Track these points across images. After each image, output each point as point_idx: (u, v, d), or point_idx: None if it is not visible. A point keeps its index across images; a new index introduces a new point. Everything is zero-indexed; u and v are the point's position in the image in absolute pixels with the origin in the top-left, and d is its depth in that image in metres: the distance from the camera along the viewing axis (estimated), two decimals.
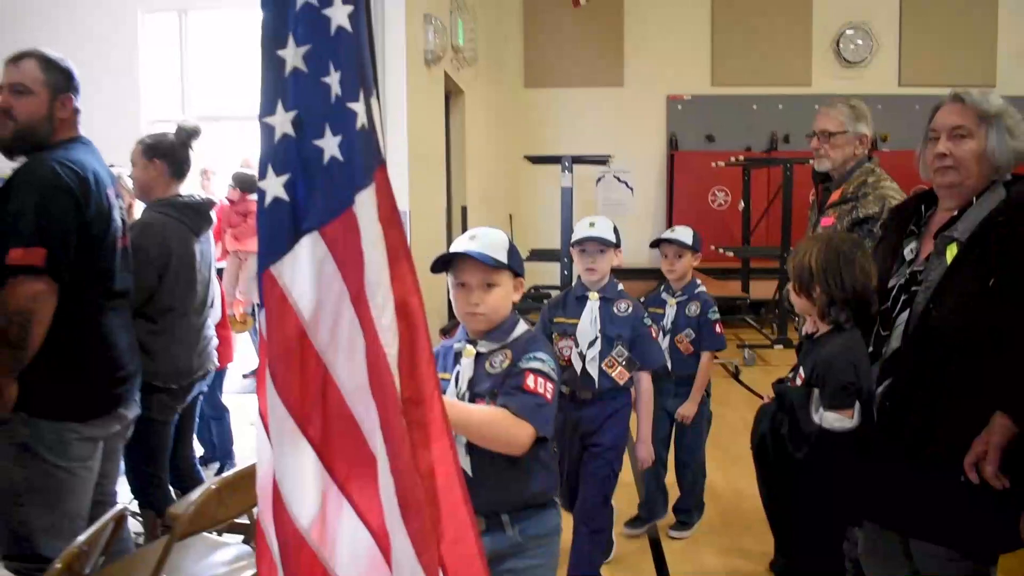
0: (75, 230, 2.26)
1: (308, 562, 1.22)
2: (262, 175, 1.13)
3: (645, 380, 3.06)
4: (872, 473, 2.07)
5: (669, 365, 3.42)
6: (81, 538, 1.97)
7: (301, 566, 1.22)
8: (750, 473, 2.38)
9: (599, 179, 10.21)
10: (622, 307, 3.03)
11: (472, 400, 1.91)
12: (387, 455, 1.15)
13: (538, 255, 7.34)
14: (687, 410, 3.55)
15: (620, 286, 3.13)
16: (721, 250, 8.41)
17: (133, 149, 3.11)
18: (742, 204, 9.20)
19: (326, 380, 1.19)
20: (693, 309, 3.54)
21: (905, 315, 2.07)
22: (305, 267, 1.16)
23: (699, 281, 3.68)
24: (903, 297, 2.09)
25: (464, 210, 6.90)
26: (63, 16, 7.55)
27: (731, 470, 4.33)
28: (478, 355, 1.96)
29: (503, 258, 1.91)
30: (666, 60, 10.23)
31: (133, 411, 2.59)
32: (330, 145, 1.14)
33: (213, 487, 2.17)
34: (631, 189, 10.37)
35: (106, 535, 2.08)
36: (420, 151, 4.48)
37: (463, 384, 1.94)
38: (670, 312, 3.58)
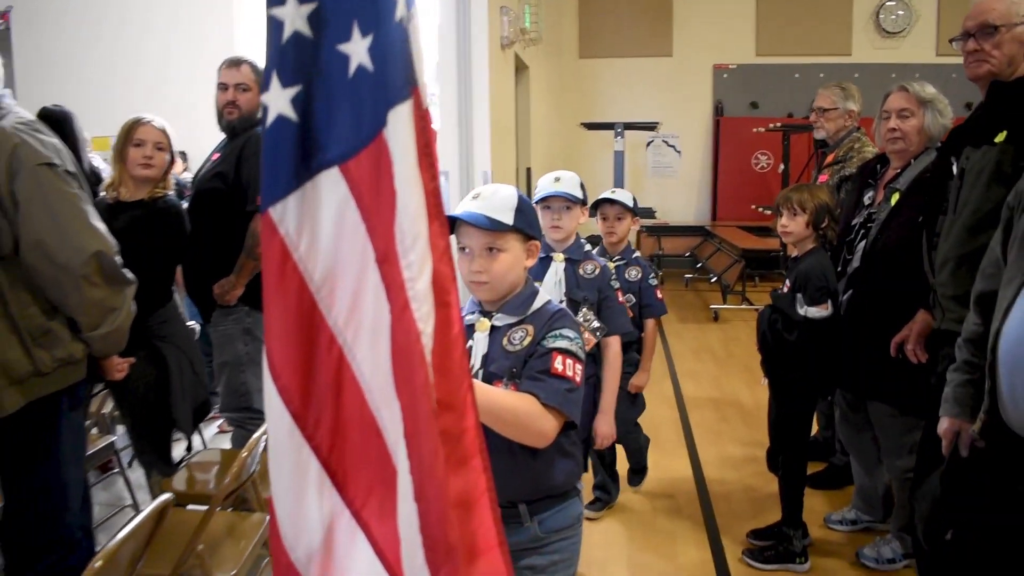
0: None
1: None
2: (265, 85, 0.88)
3: (614, 345, 2.84)
4: (839, 353, 2.95)
5: None
6: None
7: None
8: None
9: (649, 143, 10.98)
10: (588, 269, 2.85)
11: (487, 380, 1.69)
12: (411, 476, 0.90)
13: (593, 212, 8.25)
14: (640, 380, 3.42)
15: (587, 246, 2.96)
16: (761, 209, 9.16)
17: None
18: (782, 167, 9.91)
19: (342, 369, 0.93)
20: (634, 274, 3.33)
21: (863, 244, 2.94)
22: (318, 213, 0.90)
23: (634, 247, 3.49)
24: (862, 231, 2.96)
25: (528, 171, 7.77)
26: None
27: (758, 390, 5.18)
28: (493, 329, 1.75)
29: (508, 219, 1.68)
30: (713, 31, 10.79)
31: None
32: (358, 50, 0.87)
33: None
34: (679, 153, 11.15)
35: None
36: (497, 122, 5.36)
37: (476, 361, 1.73)
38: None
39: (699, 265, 9.69)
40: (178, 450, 3.45)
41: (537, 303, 1.76)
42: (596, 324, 2.77)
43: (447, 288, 0.93)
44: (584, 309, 2.76)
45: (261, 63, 3.20)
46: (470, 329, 1.75)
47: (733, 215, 10.50)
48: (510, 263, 1.72)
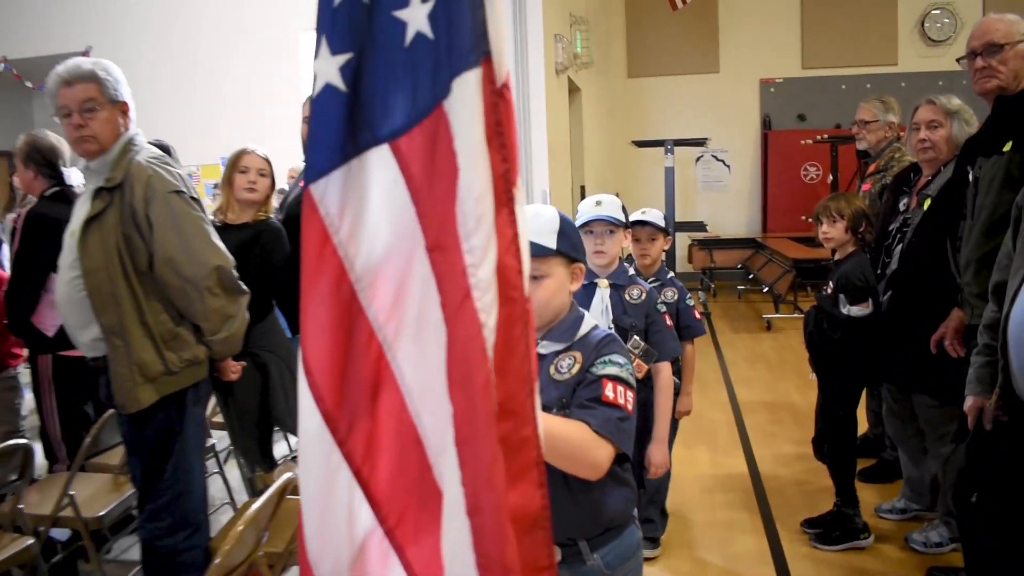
0: None
1: None
2: (316, 51, 0.83)
3: (665, 371, 2.79)
4: (881, 349, 3.17)
5: None
6: None
7: None
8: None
9: (698, 158, 11.21)
10: (634, 294, 2.77)
11: None
12: (463, 488, 0.81)
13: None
14: (684, 405, 3.25)
15: (631, 270, 2.90)
16: (811, 219, 9.29)
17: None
18: (831, 177, 10.05)
19: (380, 369, 0.86)
20: (670, 295, 3.14)
21: (899, 247, 3.16)
22: (363, 194, 0.83)
23: (667, 267, 3.35)
24: (898, 236, 3.19)
25: (583, 189, 8.05)
26: (234, 37, 8.92)
27: (810, 393, 5.38)
28: (541, 358, 1.63)
29: (550, 242, 1.61)
30: (758, 46, 11.02)
31: None
32: (416, 17, 0.80)
33: None
34: (728, 167, 11.35)
35: None
36: (553, 143, 5.66)
37: None
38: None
39: (751, 276, 9.86)
40: (277, 450, 3.78)
41: (584, 328, 1.67)
42: (643, 347, 2.70)
43: (513, 282, 0.81)
44: (634, 336, 2.70)
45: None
46: None
47: (783, 226, 10.65)
48: (554, 289, 1.63)
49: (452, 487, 0.81)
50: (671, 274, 3.31)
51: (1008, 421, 1.98)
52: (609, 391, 1.56)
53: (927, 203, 3.05)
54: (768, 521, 3.68)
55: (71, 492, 3.00)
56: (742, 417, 5.21)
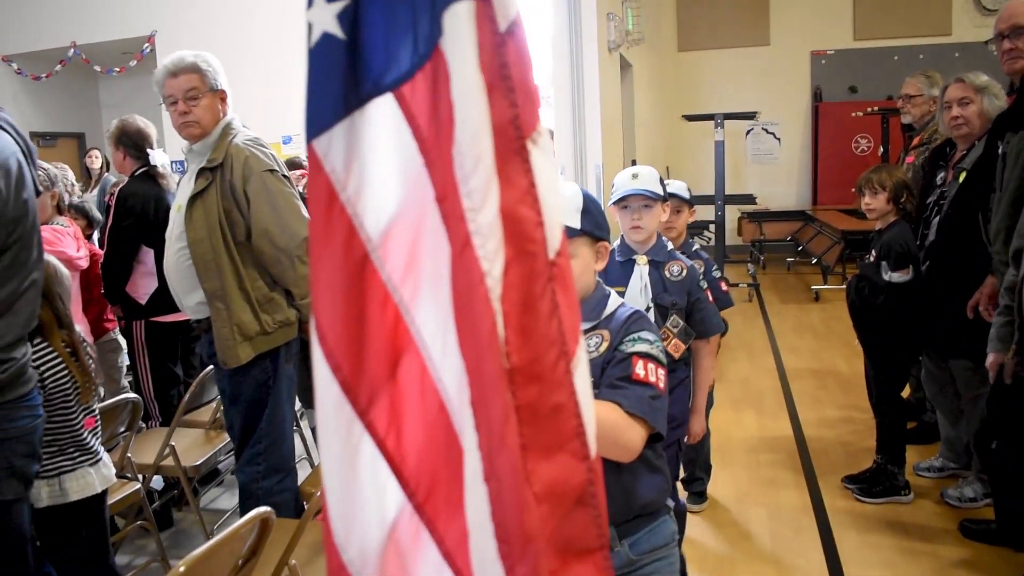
0: None
1: None
2: (309, 1, 0.78)
3: (705, 348, 2.77)
4: (922, 313, 3.35)
5: None
6: None
7: None
8: None
9: (748, 131, 11.27)
10: (675, 271, 2.69)
11: None
12: (479, 452, 0.75)
13: (695, 199, 8.66)
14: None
15: (670, 245, 2.81)
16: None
17: None
18: (881, 149, 10.06)
19: (398, 333, 0.80)
20: (697, 268, 2.91)
21: (937, 219, 3.34)
22: (369, 147, 0.78)
23: (693, 239, 3.27)
24: (936, 208, 3.36)
25: (634, 163, 8.22)
26: (296, 17, 9.19)
27: (856, 361, 5.52)
28: None
29: (574, 222, 1.59)
30: (810, 18, 10.97)
31: None
32: None
33: None
34: (779, 140, 11.39)
35: None
36: (606, 119, 5.85)
37: None
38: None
39: (800, 248, 9.95)
40: None
41: (611, 307, 1.65)
42: (681, 326, 2.64)
43: (531, 235, 0.74)
44: (673, 315, 2.63)
45: None
46: None
47: (834, 199, 10.68)
48: (580, 269, 1.60)
49: (471, 452, 0.75)
50: (696, 246, 3.25)
51: None
52: (640, 369, 1.52)
53: (962, 176, 3.21)
54: (811, 478, 3.89)
55: (172, 443, 3.34)
56: (788, 383, 5.40)
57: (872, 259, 3.47)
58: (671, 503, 1.77)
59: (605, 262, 1.68)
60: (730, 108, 9.35)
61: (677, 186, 3.19)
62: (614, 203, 2.67)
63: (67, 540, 2.41)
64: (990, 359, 2.40)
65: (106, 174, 8.03)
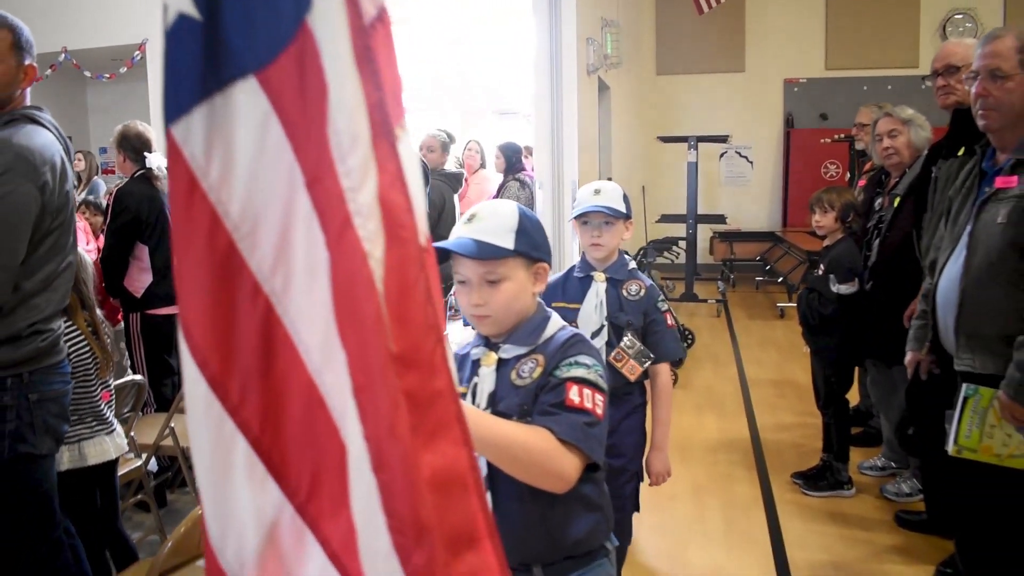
0: None
1: None
2: None
3: (664, 374, 2.63)
4: (867, 322, 3.67)
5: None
6: None
7: None
8: None
9: (722, 154, 11.65)
10: (633, 290, 2.60)
11: None
12: (366, 442, 0.71)
13: (668, 218, 9.04)
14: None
15: (631, 264, 2.70)
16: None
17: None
18: (848, 175, 10.46)
19: (271, 325, 0.76)
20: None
21: (877, 241, 3.67)
22: (232, 132, 0.74)
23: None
24: (875, 231, 3.69)
25: (610, 179, 8.56)
26: None
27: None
28: (500, 362, 1.56)
29: (507, 242, 1.50)
30: (784, 47, 11.35)
31: None
32: None
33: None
34: (751, 163, 11.79)
35: None
36: (584, 138, 6.18)
37: (483, 399, 1.54)
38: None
39: (768, 268, 10.32)
40: None
41: (549, 330, 1.57)
42: (637, 347, 2.55)
43: (402, 221, 0.72)
44: (628, 335, 2.56)
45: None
46: (475, 364, 1.58)
47: (803, 221, 10.95)
48: (514, 292, 1.52)
49: (355, 443, 0.72)
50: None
51: (940, 373, 2.50)
52: (574, 395, 1.43)
53: (896, 201, 3.55)
54: (763, 474, 4.21)
55: (172, 425, 3.59)
56: (749, 391, 5.72)
57: (821, 272, 3.79)
58: (610, 545, 1.65)
59: (544, 284, 1.60)
60: (705, 131, 9.71)
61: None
62: (575, 218, 2.62)
63: (84, 501, 2.67)
64: (908, 357, 2.71)
65: (95, 177, 8.22)
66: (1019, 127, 2.26)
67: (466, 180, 6.41)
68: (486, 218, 1.53)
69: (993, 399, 2.19)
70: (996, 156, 2.35)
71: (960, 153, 2.83)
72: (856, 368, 4.09)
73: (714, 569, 3.28)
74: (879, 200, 3.77)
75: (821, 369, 3.95)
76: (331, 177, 0.70)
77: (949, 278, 2.38)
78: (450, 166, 5.86)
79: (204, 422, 0.77)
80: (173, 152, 0.74)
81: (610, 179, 8.66)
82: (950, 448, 2.28)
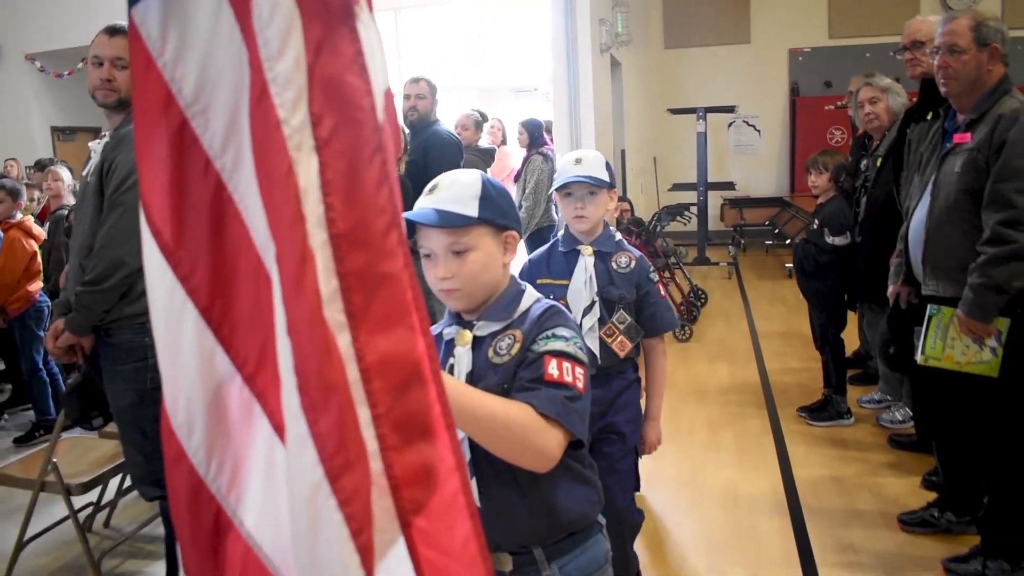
0: None
1: (202, 500, 0.83)
2: None
3: (659, 347, 2.59)
4: (858, 271, 4.13)
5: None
6: None
7: (199, 511, 0.84)
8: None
9: (730, 124, 12.02)
10: (622, 262, 2.52)
11: None
12: (284, 306, 0.72)
13: (679, 187, 9.51)
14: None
15: (618, 235, 2.60)
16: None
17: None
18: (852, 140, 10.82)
19: (221, 200, 0.80)
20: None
21: (864, 199, 4.12)
22: (187, 14, 0.77)
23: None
24: (862, 190, 4.14)
25: (623, 152, 9.00)
26: None
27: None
28: (476, 340, 1.49)
29: (470, 210, 1.43)
30: (787, 17, 11.65)
31: None
32: None
33: None
34: (759, 132, 12.18)
35: None
36: (599, 113, 6.63)
37: (460, 380, 1.44)
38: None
39: (777, 232, 10.74)
40: None
41: (524, 303, 1.50)
42: (628, 322, 2.49)
43: (358, 103, 0.72)
44: (620, 310, 2.49)
45: (433, 79, 4.64)
46: (450, 344, 1.51)
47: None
48: (482, 263, 1.45)
49: (278, 306, 0.73)
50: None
51: (917, 303, 2.98)
52: (553, 369, 1.38)
53: (878, 161, 3.99)
54: (772, 410, 4.69)
55: None
56: (759, 342, 6.20)
57: (816, 227, 4.26)
58: (603, 519, 1.62)
59: (514, 254, 1.53)
60: (713, 102, 10.11)
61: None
62: (556, 190, 2.53)
63: None
64: (890, 289, 3.19)
65: None
66: (974, 93, 2.71)
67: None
68: (447, 187, 1.46)
69: (953, 316, 2.66)
70: (956, 117, 2.80)
71: (929, 117, 3.27)
72: (850, 313, 4.54)
73: (729, 486, 3.76)
74: (864, 161, 4.21)
75: (818, 314, 4.41)
76: (253, 47, 0.72)
77: (917, 220, 2.85)
78: (483, 143, 6.35)
79: (159, 291, 0.81)
80: (133, 33, 0.78)
81: (624, 152, 9.09)
82: (918, 358, 2.76)
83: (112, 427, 2.87)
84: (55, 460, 2.93)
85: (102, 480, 3.15)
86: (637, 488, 2.81)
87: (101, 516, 3.65)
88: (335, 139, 0.71)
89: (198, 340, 0.81)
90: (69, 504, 2.99)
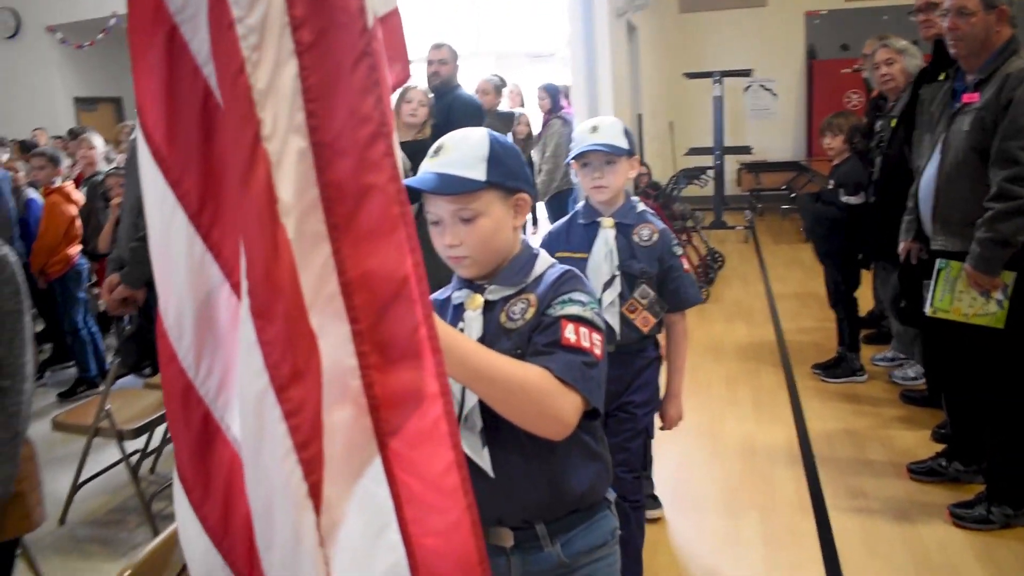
0: None
1: (191, 403, 0.86)
2: None
3: (681, 323, 2.53)
4: (872, 229, 4.23)
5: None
6: None
7: (189, 413, 0.86)
8: None
9: (747, 88, 12.00)
10: (644, 235, 2.42)
11: None
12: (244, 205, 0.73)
13: (696, 151, 9.56)
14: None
15: (640, 206, 2.51)
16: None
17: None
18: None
19: (211, 110, 0.82)
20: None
21: (879, 159, 4.21)
22: None
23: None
24: (877, 149, 4.23)
25: (640, 116, 9.06)
26: None
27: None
28: (487, 305, 1.42)
29: (478, 174, 1.35)
30: None
31: None
32: None
33: None
34: (775, 95, 12.16)
35: None
36: (617, 77, 6.70)
37: None
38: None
39: (793, 196, 10.78)
40: None
41: (539, 268, 1.44)
42: (651, 297, 2.41)
43: (345, 6, 0.71)
44: (642, 285, 2.41)
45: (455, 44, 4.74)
46: (459, 308, 1.45)
47: None
48: (491, 228, 1.39)
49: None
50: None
51: (927, 259, 3.09)
52: (570, 333, 1.32)
53: (893, 122, 4.08)
54: (787, 367, 4.82)
55: None
56: (775, 303, 6.32)
57: (831, 187, 4.36)
58: (611, 496, 1.56)
59: (524, 217, 1.45)
60: (729, 66, 10.10)
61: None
62: (573, 159, 2.44)
63: None
64: (901, 246, 3.30)
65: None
66: (982, 54, 2.80)
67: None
68: (453, 149, 1.37)
69: (961, 270, 2.78)
70: (965, 78, 2.89)
71: (941, 77, 3.36)
72: (864, 273, 4.64)
73: (746, 438, 3.91)
74: (879, 122, 4.29)
75: (831, 274, 4.53)
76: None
77: (928, 177, 2.96)
78: (503, 107, 6.46)
79: (153, 191, 0.82)
80: None
81: (640, 116, 9.14)
82: (927, 310, 2.89)
83: (158, 378, 3.04)
84: (108, 407, 3.11)
85: (151, 427, 3.34)
86: (646, 468, 2.90)
87: (147, 463, 3.82)
88: (318, 43, 0.70)
89: (188, 246, 0.82)
90: (122, 448, 3.18)
